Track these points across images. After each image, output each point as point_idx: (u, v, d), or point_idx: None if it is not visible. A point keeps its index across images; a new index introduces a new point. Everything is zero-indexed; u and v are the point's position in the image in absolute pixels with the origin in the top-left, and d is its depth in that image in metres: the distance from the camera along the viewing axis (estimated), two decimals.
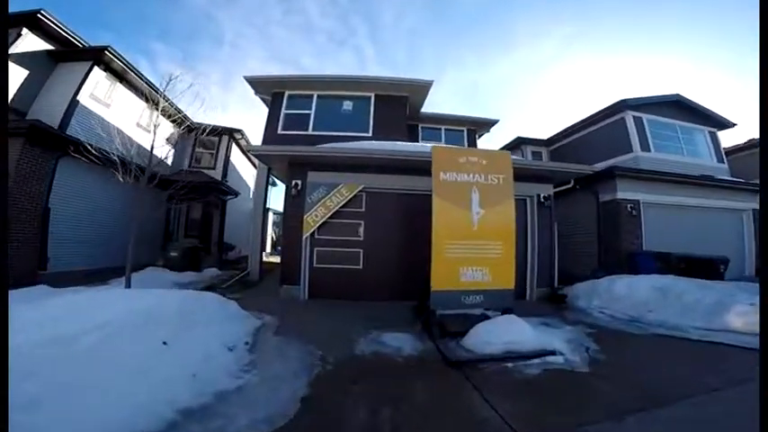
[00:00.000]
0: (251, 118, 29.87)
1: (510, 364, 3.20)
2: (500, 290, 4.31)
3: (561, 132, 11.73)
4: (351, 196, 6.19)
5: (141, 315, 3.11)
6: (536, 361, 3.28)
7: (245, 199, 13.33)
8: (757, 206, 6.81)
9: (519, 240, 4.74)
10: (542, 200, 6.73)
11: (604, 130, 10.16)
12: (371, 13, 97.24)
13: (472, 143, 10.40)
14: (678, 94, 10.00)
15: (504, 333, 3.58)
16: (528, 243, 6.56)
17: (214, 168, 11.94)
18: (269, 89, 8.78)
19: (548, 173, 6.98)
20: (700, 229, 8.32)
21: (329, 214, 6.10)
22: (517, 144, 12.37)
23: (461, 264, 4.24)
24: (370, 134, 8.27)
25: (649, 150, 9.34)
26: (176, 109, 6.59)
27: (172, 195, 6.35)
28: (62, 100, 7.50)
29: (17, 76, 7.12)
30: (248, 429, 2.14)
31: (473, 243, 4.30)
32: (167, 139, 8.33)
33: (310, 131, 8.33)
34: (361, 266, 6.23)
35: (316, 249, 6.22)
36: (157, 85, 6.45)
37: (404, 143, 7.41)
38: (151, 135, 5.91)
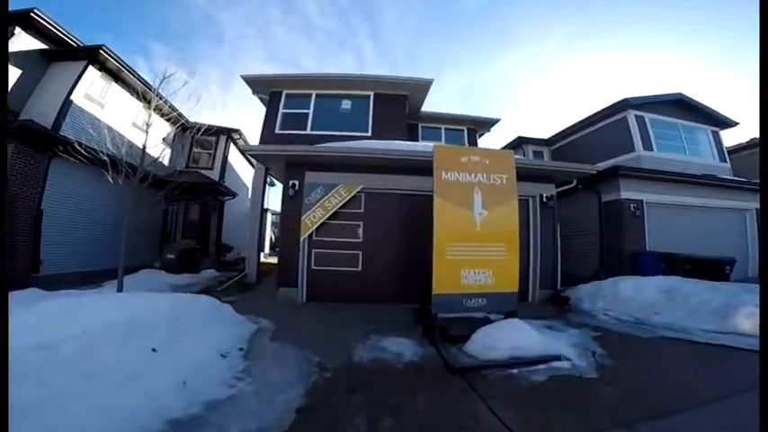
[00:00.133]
0: (250, 118, 29.83)
1: (515, 371, 3.09)
2: (504, 293, 4.19)
3: (562, 132, 11.63)
4: (349, 197, 6.07)
5: (129, 321, 2.99)
6: (542, 367, 3.16)
7: (243, 200, 13.20)
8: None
9: (521, 241, 4.62)
10: (545, 200, 6.61)
11: (606, 130, 10.05)
12: (371, 12, 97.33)
13: (473, 143, 10.29)
14: (680, 93, 9.91)
15: (507, 338, 3.46)
16: (530, 244, 6.45)
17: (212, 169, 11.82)
18: (266, 88, 8.68)
19: (550, 172, 6.87)
20: (703, 229, 8.22)
21: (327, 215, 5.98)
22: (518, 144, 12.26)
23: (463, 266, 4.11)
24: (369, 134, 8.16)
25: (652, 150, 9.24)
26: (171, 107, 6.45)
27: (167, 196, 6.22)
28: (56, 100, 7.36)
29: (10, 75, 7.00)
30: None
31: (475, 245, 4.17)
32: (164, 139, 8.21)
33: (308, 131, 8.22)
34: (360, 268, 6.11)
35: (314, 251, 6.09)
36: (153, 84, 6.32)
37: (403, 142, 7.29)
38: (146, 134, 5.78)
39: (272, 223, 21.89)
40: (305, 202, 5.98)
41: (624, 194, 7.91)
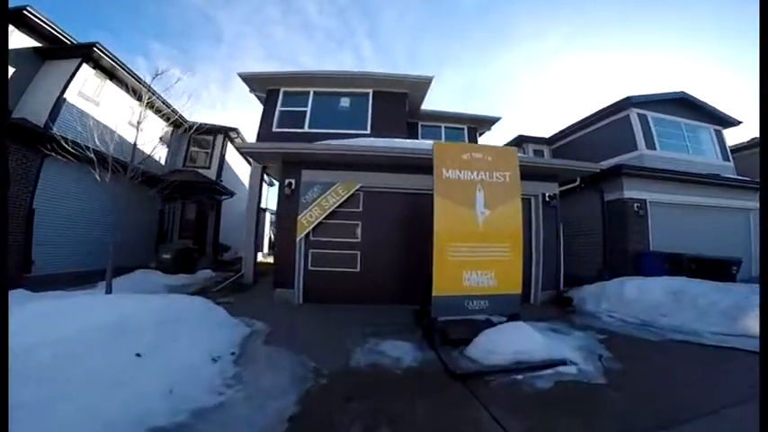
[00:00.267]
0: (250, 117, 29.71)
1: (519, 376, 2.95)
2: (507, 294, 4.05)
3: (563, 130, 11.50)
4: (347, 196, 5.94)
5: (116, 324, 2.85)
6: (547, 372, 3.02)
7: (241, 199, 13.04)
8: None
9: (524, 241, 4.49)
10: (547, 199, 6.48)
11: (608, 128, 9.92)
12: (370, 10, 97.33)
13: (473, 141, 10.14)
14: (683, 92, 9.79)
15: (511, 341, 3.32)
16: (533, 244, 6.32)
17: (209, 168, 11.69)
18: (264, 86, 8.55)
19: (553, 171, 6.75)
20: (706, 229, 8.09)
21: (324, 215, 5.84)
22: (519, 142, 12.12)
23: (465, 267, 3.97)
24: (368, 131, 8.03)
25: (654, 148, 9.11)
26: (164, 103, 6.33)
27: (163, 195, 6.09)
28: (49, 98, 7.22)
29: None
30: None
31: (478, 245, 4.03)
32: (161, 138, 8.08)
33: (306, 129, 8.10)
34: (358, 269, 5.97)
35: (311, 251, 5.96)
36: (147, 81, 6.20)
37: (402, 140, 7.17)
38: (137, 131, 5.65)
39: (272, 223, 21.76)
40: (301, 201, 5.85)
41: (627, 194, 7.78)
